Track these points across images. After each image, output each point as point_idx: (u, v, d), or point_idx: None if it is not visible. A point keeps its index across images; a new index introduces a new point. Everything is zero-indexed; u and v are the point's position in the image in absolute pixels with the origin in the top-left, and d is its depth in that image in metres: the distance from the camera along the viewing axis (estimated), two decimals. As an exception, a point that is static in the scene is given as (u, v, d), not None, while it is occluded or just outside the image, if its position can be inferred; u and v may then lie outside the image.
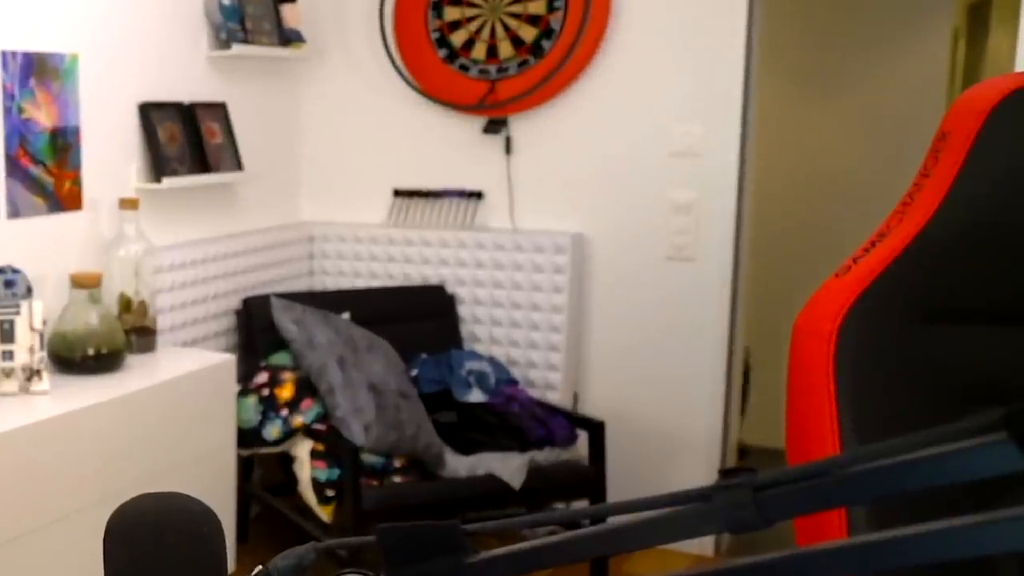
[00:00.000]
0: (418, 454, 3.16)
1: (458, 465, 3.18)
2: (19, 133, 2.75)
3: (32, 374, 2.57)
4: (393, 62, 3.80)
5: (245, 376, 3.29)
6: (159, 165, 3.16)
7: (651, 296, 3.59)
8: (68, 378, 2.71)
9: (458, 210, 3.77)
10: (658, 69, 3.51)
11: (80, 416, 2.50)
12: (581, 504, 3.42)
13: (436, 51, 3.73)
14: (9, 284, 2.70)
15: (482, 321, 3.71)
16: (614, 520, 0.59)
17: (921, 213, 1.24)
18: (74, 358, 2.74)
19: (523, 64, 3.62)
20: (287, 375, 3.24)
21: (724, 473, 0.55)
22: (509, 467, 3.09)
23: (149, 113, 3.15)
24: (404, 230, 3.79)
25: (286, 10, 3.63)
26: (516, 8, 3.63)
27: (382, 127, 3.88)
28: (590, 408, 3.64)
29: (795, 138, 4.80)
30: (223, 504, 2.96)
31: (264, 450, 3.23)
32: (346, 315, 3.51)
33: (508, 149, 3.70)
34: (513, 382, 3.50)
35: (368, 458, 3.09)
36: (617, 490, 3.44)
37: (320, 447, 3.11)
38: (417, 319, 3.65)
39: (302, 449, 3.15)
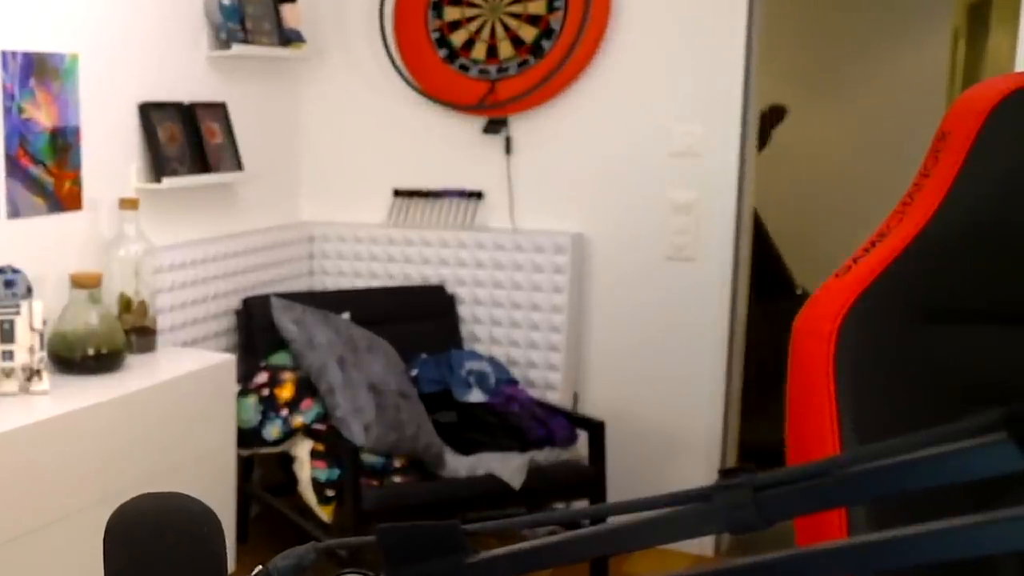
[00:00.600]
0: (418, 454, 3.16)
1: (458, 465, 3.18)
2: (19, 133, 2.75)
3: (32, 374, 2.57)
4: (393, 62, 3.80)
5: (245, 376, 3.29)
6: (159, 165, 3.16)
7: (651, 296, 3.59)
8: (68, 378, 2.71)
9: (458, 210, 3.77)
10: (658, 69, 3.51)
11: (80, 416, 2.50)
12: (581, 504, 3.42)
13: (436, 51, 3.73)
14: (9, 284, 2.71)
15: (482, 321, 3.71)
16: (614, 520, 0.59)
17: (921, 213, 1.24)
18: (74, 358, 2.74)
19: (523, 64, 3.62)
20: (287, 375, 3.24)
21: (724, 473, 0.55)
22: (509, 467, 3.09)
23: (149, 113, 3.15)
24: (404, 230, 3.79)
25: (286, 10, 3.63)
26: (516, 8, 3.63)
27: (382, 127, 3.88)
28: (590, 408, 3.64)
29: (795, 138, 4.80)
30: (223, 504, 2.96)
31: (264, 450, 3.23)
32: (346, 315, 3.51)
33: (508, 149, 3.70)
34: (513, 382, 3.50)
35: (368, 458, 3.09)
36: (617, 490, 3.44)
37: (320, 447, 3.11)
38: (417, 319, 3.65)
39: (302, 449, 3.15)
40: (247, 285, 3.58)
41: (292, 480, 3.19)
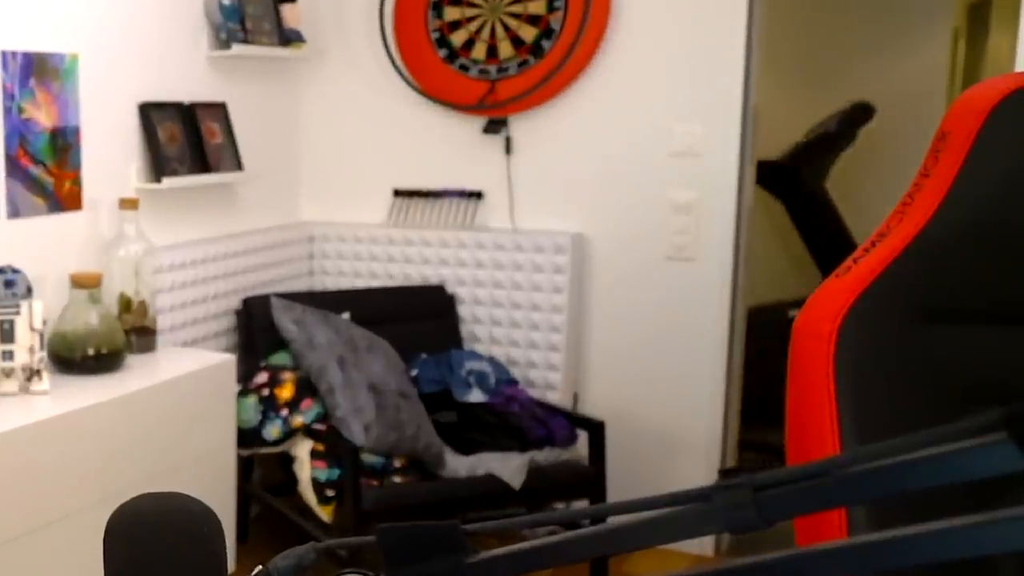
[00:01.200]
0: (418, 454, 3.16)
1: (458, 465, 3.18)
2: (19, 133, 2.75)
3: (32, 374, 2.57)
4: (393, 62, 3.80)
5: (245, 376, 3.29)
6: (159, 165, 3.16)
7: (651, 296, 3.59)
8: (68, 378, 2.71)
9: (458, 210, 3.77)
10: (658, 69, 3.51)
11: (80, 416, 2.50)
12: (581, 504, 3.42)
13: (436, 51, 3.73)
14: (9, 284, 2.71)
15: (482, 321, 3.71)
16: (614, 520, 0.59)
17: (921, 213, 1.24)
18: (74, 358, 2.74)
19: (523, 64, 3.62)
20: (287, 375, 3.24)
21: (724, 473, 0.55)
22: (509, 467, 3.09)
23: (149, 113, 3.15)
24: (404, 230, 3.79)
25: (286, 10, 3.63)
26: (516, 8, 3.63)
27: (382, 127, 3.88)
28: (590, 408, 3.64)
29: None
30: (223, 504, 2.96)
31: (264, 450, 3.23)
32: (346, 315, 3.51)
33: (508, 149, 3.70)
34: (513, 382, 3.50)
35: (368, 458, 3.09)
36: (617, 490, 3.44)
37: (320, 447, 3.11)
38: (417, 319, 3.65)
39: (302, 449, 3.15)
40: (247, 285, 3.58)
41: (292, 480, 3.19)
